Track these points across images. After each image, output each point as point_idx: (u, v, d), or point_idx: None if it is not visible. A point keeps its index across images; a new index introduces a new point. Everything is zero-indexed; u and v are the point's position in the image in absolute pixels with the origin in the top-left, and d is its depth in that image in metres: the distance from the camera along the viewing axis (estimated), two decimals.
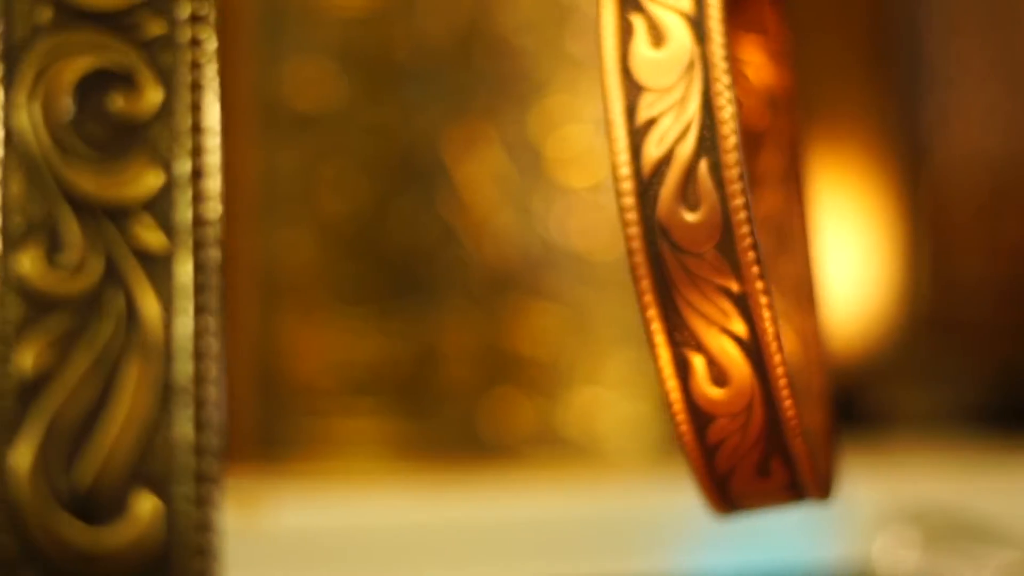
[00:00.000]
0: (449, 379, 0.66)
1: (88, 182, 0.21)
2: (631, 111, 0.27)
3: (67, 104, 0.22)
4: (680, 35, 0.27)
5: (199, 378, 0.21)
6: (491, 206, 0.66)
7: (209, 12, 0.22)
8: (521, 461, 0.66)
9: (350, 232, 0.65)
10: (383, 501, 0.59)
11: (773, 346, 0.27)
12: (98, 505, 0.21)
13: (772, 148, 0.35)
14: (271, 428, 0.64)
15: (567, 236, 0.67)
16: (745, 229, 0.27)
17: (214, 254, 0.22)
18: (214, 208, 0.22)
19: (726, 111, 0.27)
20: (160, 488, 0.21)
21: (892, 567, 0.54)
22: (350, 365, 0.65)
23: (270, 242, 0.65)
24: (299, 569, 0.56)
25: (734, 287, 0.27)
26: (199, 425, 0.21)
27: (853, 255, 0.77)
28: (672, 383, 0.28)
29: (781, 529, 0.57)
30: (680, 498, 0.59)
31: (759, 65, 0.34)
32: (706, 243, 0.27)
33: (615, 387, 0.67)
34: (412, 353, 0.65)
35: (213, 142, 0.22)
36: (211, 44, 0.22)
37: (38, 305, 0.21)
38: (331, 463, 0.64)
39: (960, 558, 0.54)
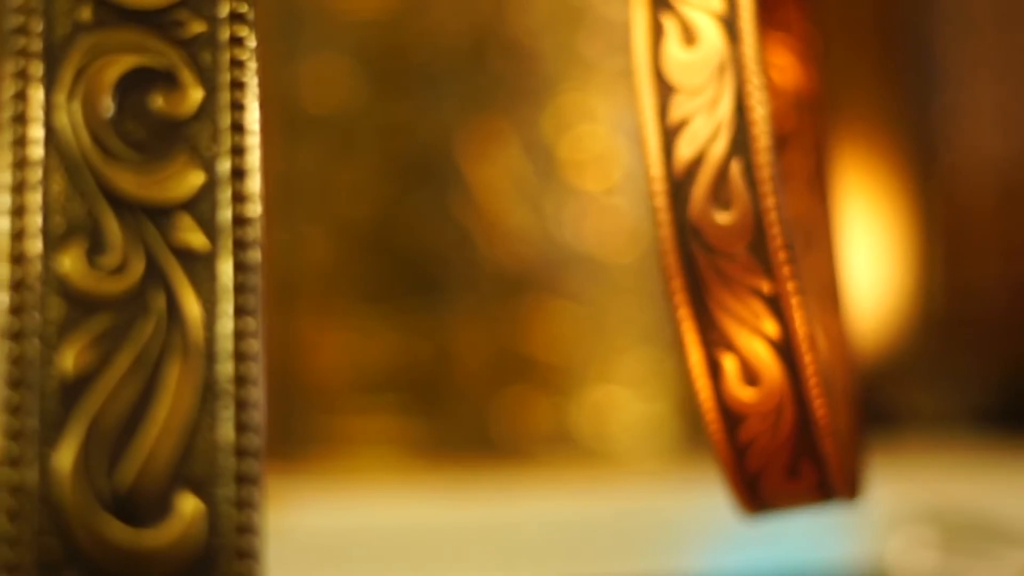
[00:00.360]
0: (464, 378, 0.66)
1: (128, 182, 0.21)
2: (663, 112, 0.27)
3: (107, 103, 0.21)
4: (711, 36, 0.27)
5: (240, 379, 0.21)
6: (505, 207, 0.66)
7: (249, 10, 0.22)
8: (535, 460, 0.66)
9: (366, 232, 0.65)
10: (398, 500, 0.59)
11: (804, 346, 0.27)
12: (139, 506, 0.21)
13: (797, 150, 0.35)
14: (287, 426, 0.64)
15: (580, 237, 0.67)
16: (777, 229, 0.27)
17: (255, 254, 0.22)
18: (254, 208, 0.22)
19: (758, 112, 0.27)
20: (201, 490, 0.21)
21: (906, 567, 0.54)
22: (366, 364, 0.65)
23: (287, 241, 0.65)
24: (313, 566, 0.56)
25: (765, 287, 0.27)
26: (240, 427, 0.21)
27: (866, 256, 0.77)
28: (703, 383, 0.28)
29: (795, 529, 0.56)
30: (695, 498, 0.59)
31: (786, 67, 0.34)
32: (738, 243, 0.27)
33: (628, 387, 0.67)
34: (427, 352, 0.65)
35: (253, 141, 0.22)
36: (251, 42, 0.22)
37: (79, 306, 0.21)
38: (346, 461, 0.64)
39: (975, 559, 0.54)
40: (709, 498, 0.58)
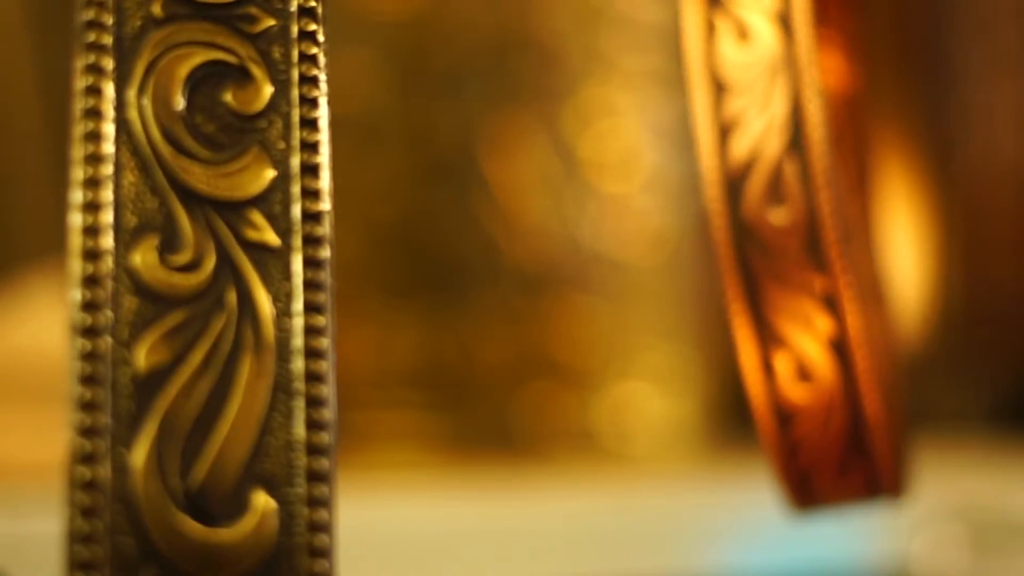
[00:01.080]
0: (486, 375, 0.65)
1: (199, 177, 0.21)
2: (716, 111, 0.27)
3: (178, 98, 0.21)
4: (765, 35, 0.27)
5: (312, 376, 0.21)
6: (529, 205, 0.66)
7: (318, 5, 0.22)
8: (556, 458, 0.66)
9: (390, 230, 0.65)
10: (419, 496, 0.59)
11: (857, 342, 0.27)
12: (212, 504, 0.20)
13: (842, 150, 0.35)
14: None
15: (602, 235, 0.67)
16: (831, 226, 0.27)
17: (325, 250, 0.21)
18: (325, 203, 0.22)
19: (812, 110, 0.27)
20: (273, 488, 0.21)
21: (932, 565, 0.54)
22: (389, 361, 0.65)
23: None
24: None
25: (819, 285, 0.27)
26: (312, 424, 0.21)
27: (884, 255, 0.76)
28: (755, 381, 0.28)
29: (821, 528, 0.56)
30: (717, 496, 0.59)
31: (833, 67, 0.34)
32: (791, 241, 0.27)
33: (650, 385, 0.67)
34: (450, 349, 0.65)
35: (323, 136, 0.22)
36: (321, 37, 0.22)
37: (151, 302, 0.21)
38: (368, 457, 0.64)
39: (1000, 557, 0.54)
40: (732, 496, 0.58)
